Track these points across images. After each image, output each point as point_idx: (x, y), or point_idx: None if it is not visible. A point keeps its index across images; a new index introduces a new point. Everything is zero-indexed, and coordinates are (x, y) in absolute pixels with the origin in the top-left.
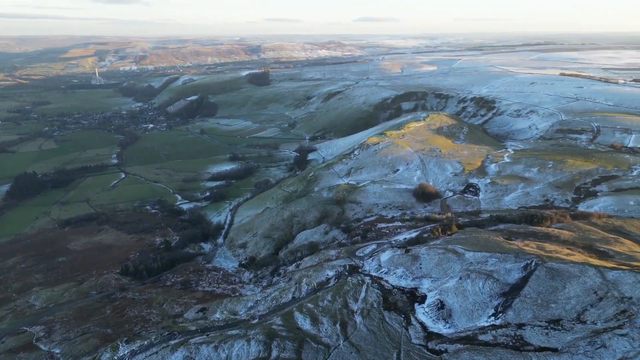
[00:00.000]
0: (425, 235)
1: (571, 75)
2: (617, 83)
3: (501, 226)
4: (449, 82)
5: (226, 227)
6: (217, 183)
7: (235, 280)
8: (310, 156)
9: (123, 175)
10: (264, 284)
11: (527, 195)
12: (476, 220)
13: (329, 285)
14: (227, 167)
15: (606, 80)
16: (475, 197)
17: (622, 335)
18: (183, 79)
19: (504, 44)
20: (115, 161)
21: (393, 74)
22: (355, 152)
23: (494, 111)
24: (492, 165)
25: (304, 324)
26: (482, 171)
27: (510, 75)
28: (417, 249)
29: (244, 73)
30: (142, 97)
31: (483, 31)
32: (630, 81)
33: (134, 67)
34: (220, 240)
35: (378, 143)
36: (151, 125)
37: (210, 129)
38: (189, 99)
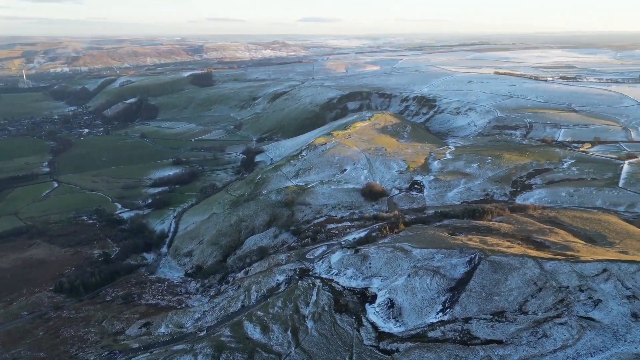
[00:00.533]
0: (374, 234)
1: (504, 73)
2: (546, 81)
3: (446, 222)
4: (392, 82)
5: (170, 235)
6: (160, 189)
7: (181, 291)
8: (258, 158)
9: (56, 185)
10: (212, 294)
11: (468, 191)
12: (422, 217)
13: (280, 290)
14: (170, 172)
15: (536, 78)
16: (421, 194)
17: (561, 324)
18: (120, 81)
19: (443, 44)
20: (47, 170)
21: (338, 74)
22: (303, 153)
23: (435, 109)
24: (435, 163)
25: (254, 333)
26: (425, 168)
27: (449, 75)
28: (367, 249)
29: (186, 74)
30: (76, 101)
31: (423, 32)
32: (557, 79)
33: (66, 69)
34: (164, 249)
35: (325, 143)
36: (86, 130)
37: (152, 133)
38: (127, 101)
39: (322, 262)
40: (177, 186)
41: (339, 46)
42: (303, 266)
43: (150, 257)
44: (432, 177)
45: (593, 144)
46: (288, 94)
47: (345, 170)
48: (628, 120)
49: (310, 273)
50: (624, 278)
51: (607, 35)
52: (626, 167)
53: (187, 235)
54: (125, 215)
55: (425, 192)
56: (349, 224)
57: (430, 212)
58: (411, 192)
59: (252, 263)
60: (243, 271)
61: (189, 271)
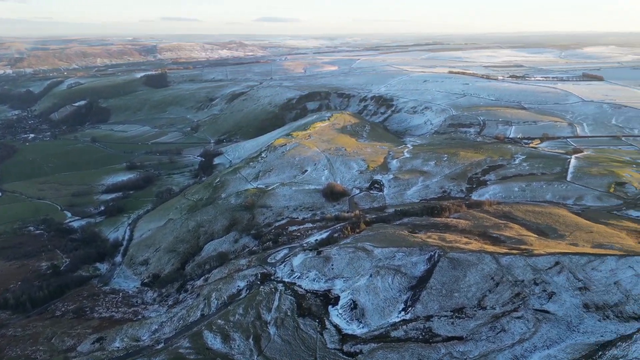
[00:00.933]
0: (336, 234)
1: (458, 73)
2: (497, 79)
3: (405, 220)
4: (350, 82)
5: (125, 243)
6: (113, 195)
7: (137, 302)
8: (217, 160)
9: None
10: (170, 303)
11: (426, 188)
12: (382, 216)
13: (241, 297)
14: (124, 177)
15: (488, 77)
16: (381, 192)
17: (518, 317)
18: (68, 83)
19: (398, 44)
20: None
21: (296, 74)
22: (263, 155)
23: (393, 109)
24: (394, 161)
25: (215, 343)
26: (385, 167)
27: (405, 74)
28: (329, 250)
29: (139, 75)
30: (20, 104)
31: (379, 32)
32: (507, 77)
33: (9, 71)
34: (118, 258)
35: (285, 144)
36: (32, 135)
37: (103, 137)
38: (76, 104)
39: (284, 266)
40: (131, 192)
41: (296, 46)
42: (265, 270)
43: (103, 267)
44: (391, 176)
45: (542, 139)
46: (246, 94)
47: (306, 171)
48: (573, 117)
49: (272, 277)
50: (576, 270)
51: (552, 35)
52: (573, 161)
53: (143, 243)
54: (75, 224)
55: (385, 191)
56: (310, 225)
57: (391, 210)
58: (371, 191)
59: (211, 270)
60: (202, 278)
61: (145, 280)
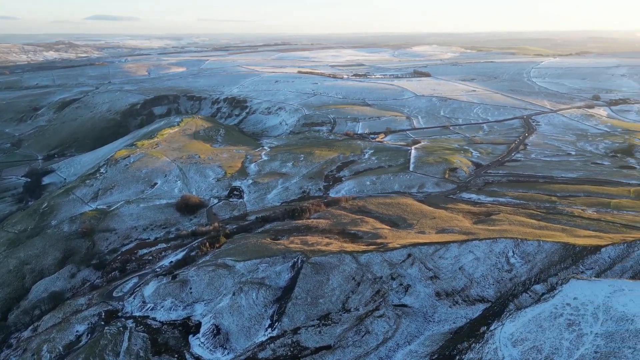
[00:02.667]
0: (194, 253)
1: (307, 72)
2: (342, 78)
3: (267, 226)
4: (200, 84)
5: None
6: None
7: None
8: (47, 180)
9: None
10: None
11: (287, 190)
12: (244, 225)
13: (81, 344)
14: None
15: (334, 77)
16: (241, 199)
17: (379, 316)
18: None
19: (248, 45)
20: None
21: (139, 76)
22: (102, 170)
23: (247, 110)
24: (252, 165)
25: None
26: (243, 172)
27: (257, 75)
28: (186, 272)
29: None
30: None
31: (227, 32)
32: (352, 76)
33: None
34: None
35: (129, 156)
36: None
37: None
38: None
39: (134, 298)
40: None
41: (138, 46)
42: (110, 307)
43: None
44: (250, 181)
45: (386, 133)
46: (80, 101)
47: (155, 184)
48: (410, 111)
49: (120, 314)
50: (426, 260)
51: (385, 36)
52: (413, 152)
53: None
54: None
55: (246, 197)
56: (164, 245)
57: (252, 217)
58: (231, 199)
59: (42, 315)
60: (31, 328)
61: None
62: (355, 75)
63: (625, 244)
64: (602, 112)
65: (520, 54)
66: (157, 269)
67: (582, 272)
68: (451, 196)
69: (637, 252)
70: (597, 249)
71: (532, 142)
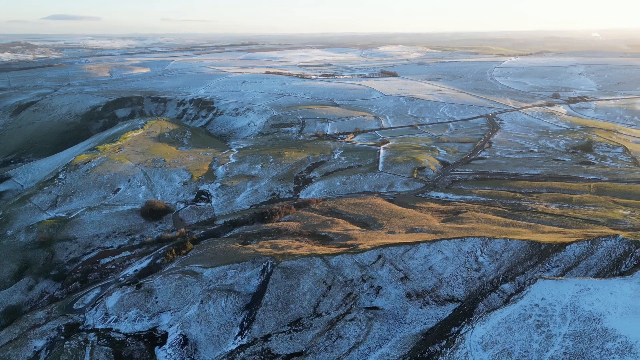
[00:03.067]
0: (159, 260)
1: (275, 73)
2: (310, 78)
3: (236, 230)
4: (165, 85)
5: None
6: None
7: None
8: (3, 187)
9: None
10: None
11: (256, 193)
12: (211, 230)
13: None
14: None
15: (302, 77)
16: (209, 204)
17: (351, 320)
18: None
19: (215, 45)
20: None
21: (101, 78)
22: (61, 176)
23: (215, 111)
24: (220, 168)
25: None
26: (211, 175)
27: (224, 75)
28: (151, 281)
29: None
30: None
31: (192, 32)
32: (320, 76)
33: None
34: None
35: (90, 161)
36: None
37: None
38: None
39: (96, 310)
40: None
41: (100, 47)
42: (70, 321)
43: None
44: (218, 184)
45: (355, 133)
46: (37, 104)
47: (118, 189)
48: (378, 110)
49: (81, 327)
50: (396, 261)
51: (352, 36)
52: (382, 152)
53: None
54: None
55: (214, 201)
56: (128, 253)
57: (220, 222)
58: (198, 204)
59: None
60: None
61: None
62: (323, 75)
63: (589, 241)
64: (562, 109)
65: (483, 53)
66: (121, 279)
67: (548, 270)
68: (420, 195)
69: (600, 250)
70: (562, 246)
71: (496, 140)
